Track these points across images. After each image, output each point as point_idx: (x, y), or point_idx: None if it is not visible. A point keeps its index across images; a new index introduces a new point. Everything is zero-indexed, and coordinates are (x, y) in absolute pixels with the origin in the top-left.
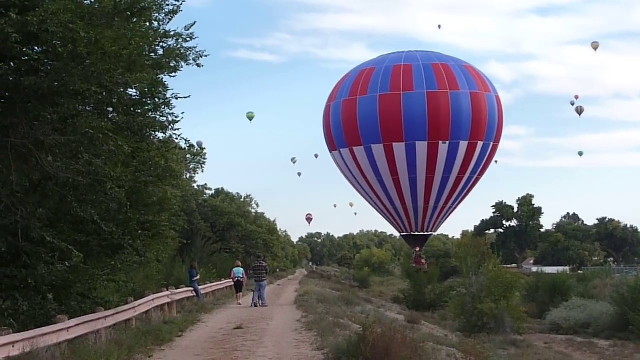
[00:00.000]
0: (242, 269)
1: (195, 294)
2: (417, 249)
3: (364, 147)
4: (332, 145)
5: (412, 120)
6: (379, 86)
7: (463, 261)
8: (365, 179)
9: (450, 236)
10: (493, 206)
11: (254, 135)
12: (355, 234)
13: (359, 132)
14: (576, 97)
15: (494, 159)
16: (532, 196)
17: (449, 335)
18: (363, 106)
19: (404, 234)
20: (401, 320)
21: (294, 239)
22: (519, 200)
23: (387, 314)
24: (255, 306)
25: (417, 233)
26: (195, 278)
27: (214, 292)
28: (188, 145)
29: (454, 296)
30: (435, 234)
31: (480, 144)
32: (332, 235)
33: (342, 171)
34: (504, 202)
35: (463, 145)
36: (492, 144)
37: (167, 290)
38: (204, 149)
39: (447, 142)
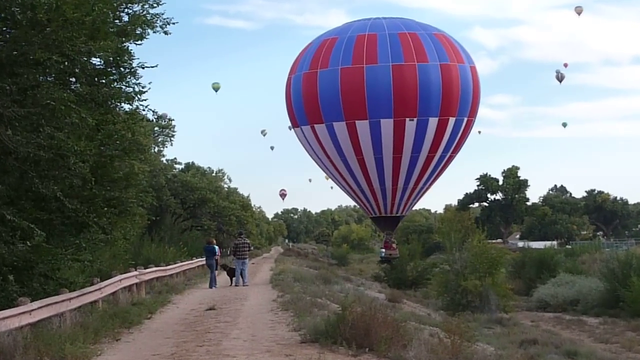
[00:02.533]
0: (216, 247)
1: (212, 277)
2: (388, 233)
3: (326, 125)
4: (294, 122)
5: (376, 96)
6: (341, 58)
7: (446, 237)
8: (328, 158)
9: (432, 211)
10: (477, 179)
11: (226, 107)
12: (333, 209)
13: (320, 109)
14: (565, 65)
15: (477, 131)
16: (517, 168)
17: (432, 314)
18: (324, 80)
19: (373, 216)
20: (382, 299)
21: (269, 215)
22: (504, 172)
23: (367, 293)
24: (237, 285)
25: (386, 215)
26: (216, 256)
27: (185, 272)
28: (156, 117)
29: (437, 273)
30: (408, 213)
31: (452, 120)
32: (309, 211)
33: (306, 149)
34: (488, 174)
35: (433, 122)
36: (466, 119)
37: (135, 270)
38: (172, 120)
39: (415, 119)
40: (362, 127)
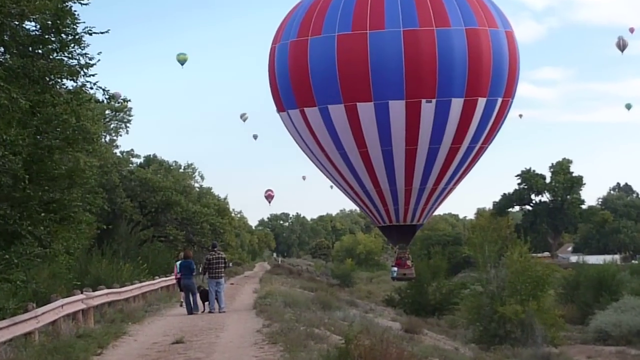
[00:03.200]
0: (192, 262)
1: (186, 300)
2: (401, 247)
3: (319, 109)
4: (279, 104)
5: (383, 71)
6: (338, 23)
7: (478, 249)
8: (322, 151)
9: (460, 216)
10: (518, 176)
11: (196, 86)
12: (333, 214)
13: (311, 88)
14: (631, 31)
15: (518, 114)
16: (570, 162)
17: (461, 349)
18: (316, 50)
19: (382, 225)
20: (396, 329)
21: (252, 223)
22: (552, 167)
23: (377, 321)
24: (211, 312)
25: (398, 224)
26: (194, 274)
27: (145, 295)
28: (107, 97)
29: (467, 296)
30: (427, 221)
31: (482, 101)
32: (303, 217)
33: (295, 140)
34: (532, 170)
35: (457, 104)
36: (500, 99)
37: (82, 293)
38: (127, 101)
39: (434, 101)
40: (366, 111)
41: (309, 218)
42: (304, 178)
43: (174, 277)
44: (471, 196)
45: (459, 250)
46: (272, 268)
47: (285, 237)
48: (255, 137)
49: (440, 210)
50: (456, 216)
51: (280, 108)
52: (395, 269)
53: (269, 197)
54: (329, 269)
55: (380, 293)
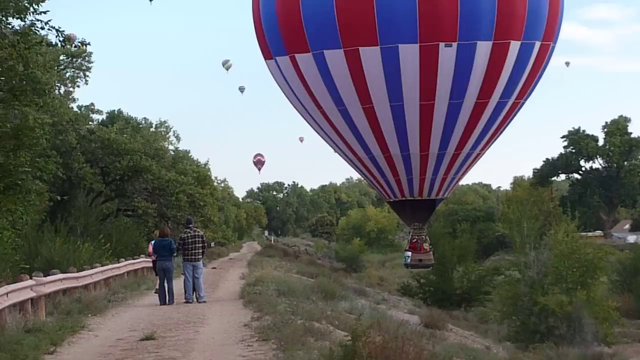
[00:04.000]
0: (170, 241)
1: (160, 287)
2: (416, 227)
3: (313, 55)
4: (265, 50)
5: (392, 7)
6: None
7: (515, 227)
8: (318, 108)
9: (493, 187)
10: (564, 137)
11: (170, 27)
12: (338, 184)
13: (302, 27)
14: None
15: (564, 62)
16: (628, 120)
17: (493, 348)
18: None
19: (392, 200)
20: (414, 323)
21: (239, 194)
22: (606, 127)
23: (391, 314)
24: (188, 302)
25: (413, 199)
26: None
27: (109, 281)
28: (62, 39)
29: (501, 284)
30: (449, 194)
31: (514, 45)
32: (301, 187)
33: (285, 94)
34: (581, 130)
35: (483, 48)
36: (538, 43)
37: (31, 278)
38: (86, 44)
39: (454, 45)
40: (370, 57)
41: (308, 188)
42: (301, 140)
43: (150, 259)
44: (506, 162)
45: (492, 227)
46: (263, 249)
47: (280, 211)
48: (241, 89)
49: (468, 180)
50: (488, 186)
51: (266, 55)
52: (409, 253)
53: (259, 163)
54: (332, 251)
55: (394, 280)
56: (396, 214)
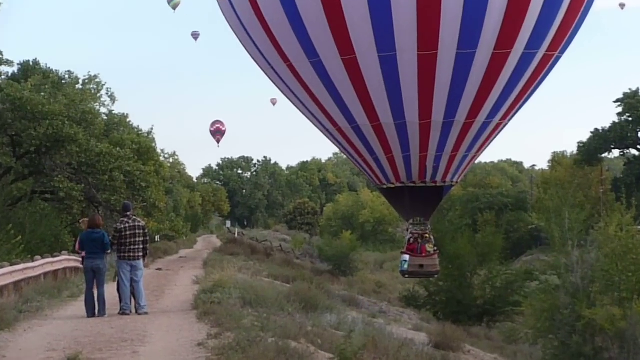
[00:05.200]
0: (104, 234)
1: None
2: (416, 223)
3: None
4: None
5: None
6: None
7: (554, 218)
8: (284, 59)
9: (526, 165)
10: (618, 101)
11: None
12: (323, 160)
13: None
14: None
15: (619, 4)
16: None
17: None
18: None
19: (386, 186)
20: (422, 342)
21: (193, 172)
22: None
23: (391, 330)
24: (124, 313)
25: (412, 185)
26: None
27: (19, 285)
28: None
29: (535, 292)
30: (461, 179)
31: None
32: (275, 165)
33: (239, 39)
34: None
35: None
36: None
37: None
38: None
39: None
40: None
41: (284, 166)
42: (273, 102)
43: (77, 257)
44: (542, 134)
45: (523, 218)
46: (225, 244)
47: (247, 195)
48: (195, 36)
49: (491, 156)
50: (519, 165)
51: None
52: (407, 257)
53: (218, 132)
54: (315, 248)
55: (395, 286)
56: (390, 204)
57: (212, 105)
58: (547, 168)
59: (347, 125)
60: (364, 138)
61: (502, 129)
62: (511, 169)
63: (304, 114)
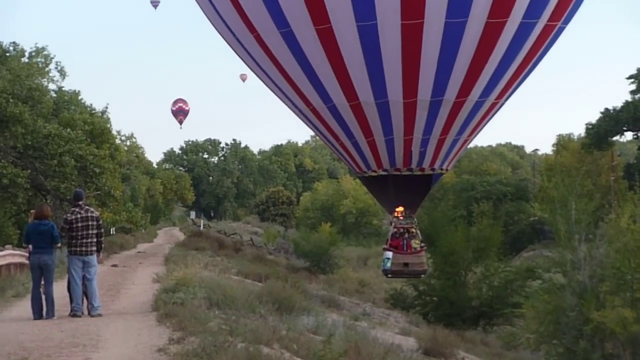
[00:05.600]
0: (52, 226)
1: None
2: (399, 213)
3: None
4: None
5: None
6: None
7: (559, 209)
8: (250, 29)
9: (527, 149)
10: (632, 77)
11: None
12: (300, 143)
13: None
14: None
15: None
16: None
17: None
18: None
19: (367, 175)
20: (410, 348)
21: (153, 157)
22: None
23: (375, 334)
24: (75, 315)
25: (395, 172)
26: (57, 246)
27: None
28: None
29: (537, 292)
30: (452, 166)
31: None
32: (246, 148)
33: (202, 9)
34: None
35: None
36: None
37: None
38: None
39: None
40: None
41: (255, 150)
42: (243, 79)
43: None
44: (546, 115)
45: (524, 209)
46: (189, 238)
47: (213, 183)
48: (154, 4)
49: (489, 139)
50: (520, 149)
51: None
52: (390, 255)
53: (181, 112)
54: (290, 242)
55: (381, 284)
56: (371, 194)
57: (174, 81)
58: (551, 153)
59: (322, 104)
60: (341, 119)
61: (499, 109)
62: (511, 154)
63: (273, 91)
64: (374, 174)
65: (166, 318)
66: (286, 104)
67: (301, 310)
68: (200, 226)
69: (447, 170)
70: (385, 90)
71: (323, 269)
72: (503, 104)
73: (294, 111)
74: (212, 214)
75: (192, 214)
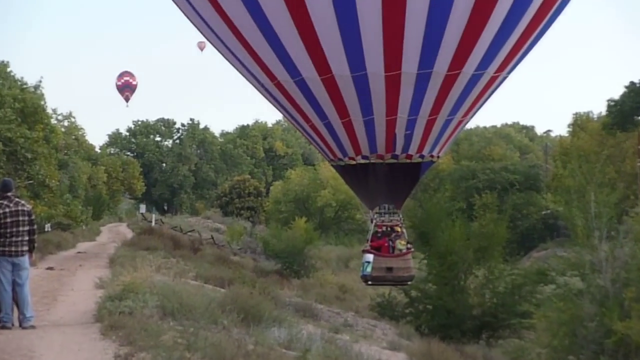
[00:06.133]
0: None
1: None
2: (384, 212)
3: None
4: None
5: None
6: None
7: (576, 201)
8: None
9: (538, 130)
10: None
11: None
12: (269, 124)
13: None
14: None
15: None
16: None
17: None
18: None
19: (343, 163)
20: None
21: (95, 140)
22: None
23: (359, 349)
24: (4, 326)
25: (377, 160)
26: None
27: None
28: None
29: (550, 299)
30: (443, 152)
31: None
32: (206, 129)
33: None
34: None
35: None
36: None
37: None
38: None
39: None
40: None
41: (217, 131)
42: (201, 47)
43: None
44: (560, 89)
45: (535, 201)
46: (138, 236)
47: (167, 170)
48: None
49: (493, 118)
50: (529, 130)
51: None
52: (370, 257)
53: (127, 87)
54: (258, 240)
55: (365, 290)
56: (349, 186)
57: (120, 52)
58: (566, 134)
59: (289, 78)
60: (312, 96)
61: (500, 84)
62: (519, 136)
63: (232, 63)
64: (351, 162)
65: (111, 330)
66: (247, 78)
67: (271, 320)
68: (151, 222)
69: (438, 157)
70: (363, 60)
71: (297, 272)
72: (505, 77)
73: (256, 87)
74: (165, 208)
75: (142, 208)
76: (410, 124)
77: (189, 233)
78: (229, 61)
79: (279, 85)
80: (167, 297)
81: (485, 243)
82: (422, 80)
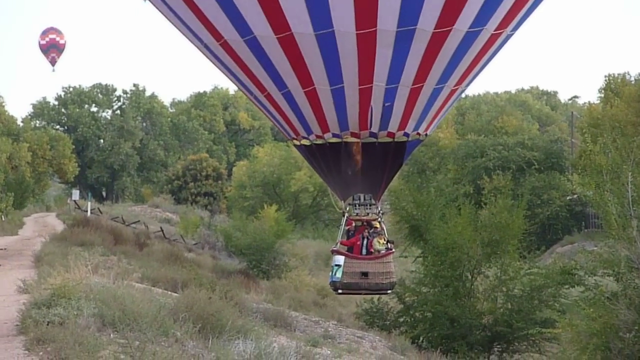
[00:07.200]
0: None
1: None
2: (358, 204)
3: None
4: None
5: None
6: None
7: (608, 184)
8: None
9: (561, 98)
10: None
11: None
12: (231, 91)
13: None
14: None
15: None
16: None
17: None
18: None
19: (309, 142)
20: None
21: (17, 111)
22: None
23: None
24: None
25: (349, 139)
26: None
27: None
28: None
29: (577, 305)
30: (433, 130)
31: None
32: (154, 98)
33: None
34: None
35: None
36: None
37: None
38: None
39: None
40: None
41: (167, 100)
42: None
43: None
44: (587, 48)
45: (558, 184)
46: (71, 228)
47: (105, 148)
48: None
49: (507, 82)
50: (551, 97)
51: None
52: (341, 260)
53: (53, 47)
54: (219, 233)
55: (349, 295)
56: (317, 174)
57: (45, 5)
58: (597, 101)
59: (237, 37)
60: (266, 59)
61: (503, 44)
62: (538, 104)
63: (169, 19)
64: (319, 141)
65: (38, 344)
66: (188, 38)
67: (235, 332)
68: (86, 211)
69: (426, 135)
70: (329, 15)
71: (266, 272)
72: (510, 35)
73: (199, 48)
74: (104, 194)
75: (75, 194)
76: (390, 94)
77: (133, 225)
78: (165, 16)
79: (226, 46)
80: (106, 304)
81: (497, 236)
82: (403, 40)
